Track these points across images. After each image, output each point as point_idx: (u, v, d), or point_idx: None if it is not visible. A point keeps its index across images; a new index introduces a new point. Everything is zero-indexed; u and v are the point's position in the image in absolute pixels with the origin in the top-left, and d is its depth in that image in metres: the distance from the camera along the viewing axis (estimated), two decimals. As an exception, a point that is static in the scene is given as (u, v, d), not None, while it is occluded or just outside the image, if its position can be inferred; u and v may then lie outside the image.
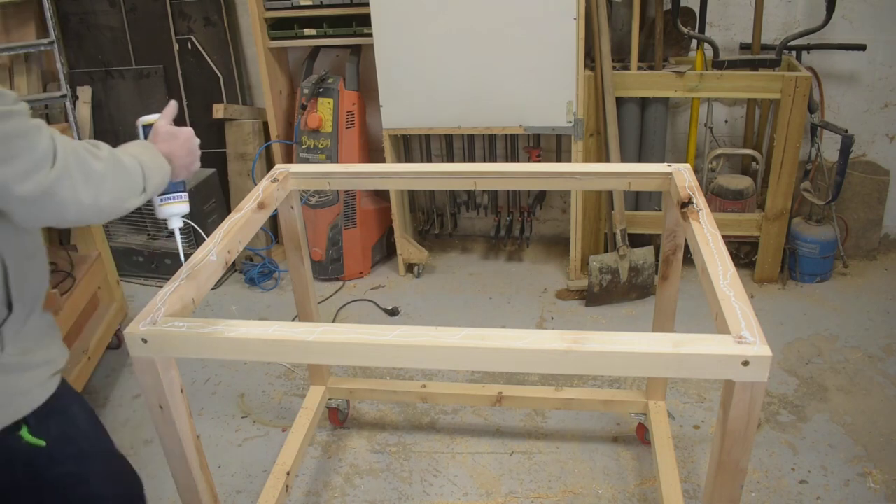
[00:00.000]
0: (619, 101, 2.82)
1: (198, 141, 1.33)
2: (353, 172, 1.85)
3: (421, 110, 2.87)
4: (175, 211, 1.33)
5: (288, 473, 1.86)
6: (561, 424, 2.28)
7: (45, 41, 3.16)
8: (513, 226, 3.24)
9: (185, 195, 1.33)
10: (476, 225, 3.57)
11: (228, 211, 3.18)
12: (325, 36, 3.02)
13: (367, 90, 3.19)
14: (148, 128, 1.29)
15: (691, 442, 2.17)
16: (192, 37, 3.33)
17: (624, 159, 2.85)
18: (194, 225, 1.46)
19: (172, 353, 1.22)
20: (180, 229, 1.35)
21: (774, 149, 2.76)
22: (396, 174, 1.88)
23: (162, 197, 1.30)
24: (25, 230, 1.12)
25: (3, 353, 1.10)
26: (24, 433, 1.14)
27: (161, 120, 1.28)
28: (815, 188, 2.98)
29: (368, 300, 3.07)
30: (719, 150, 2.96)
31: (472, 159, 3.17)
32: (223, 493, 2.07)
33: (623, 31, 2.84)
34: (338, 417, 2.30)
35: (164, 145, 1.25)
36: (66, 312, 2.30)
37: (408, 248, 3.20)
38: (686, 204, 1.52)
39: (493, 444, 2.21)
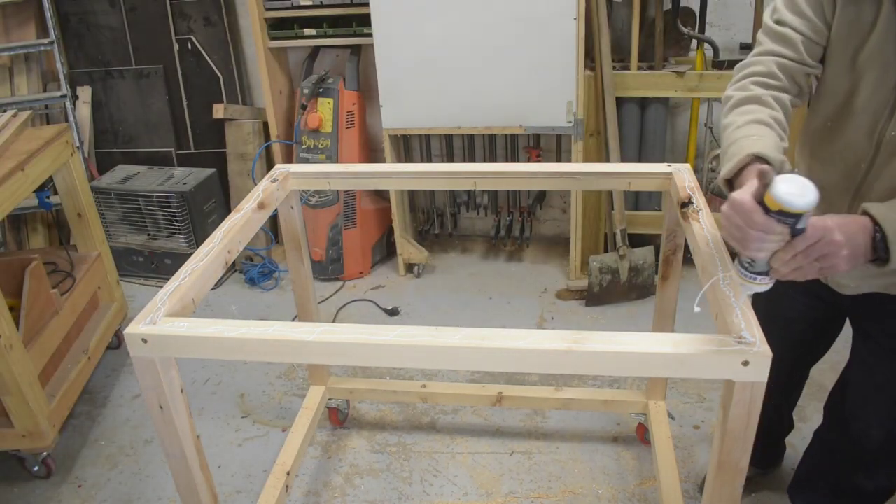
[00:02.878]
0: (619, 102, 2.82)
1: (762, 240, 1.02)
2: (353, 172, 1.85)
3: (421, 110, 2.87)
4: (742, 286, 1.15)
5: (288, 473, 1.86)
6: (561, 424, 2.28)
7: (45, 41, 3.16)
8: (513, 226, 3.24)
9: (755, 276, 1.10)
10: (476, 225, 3.57)
11: (228, 211, 3.18)
12: (325, 36, 3.01)
13: (367, 90, 3.19)
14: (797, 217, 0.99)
15: (691, 442, 2.17)
16: (192, 37, 3.33)
17: (624, 159, 2.85)
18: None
19: (172, 353, 1.21)
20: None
21: (774, 149, 2.75)
22: (396, 174, 1.88)
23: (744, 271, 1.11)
24: None
25: None
26: None
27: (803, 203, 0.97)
28: (815, 188, 2.97)
29: (368, 300, 3.07)
30: (719, 150, 2.95)
31: (472, 159, 3.17)
32: (223, 493, 2.07)
33: (623, 31, 2.84)
34: (338, 417, 2.30)
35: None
36: (66, 312, 2.31)
37: (408, 248, 3.20)
38: (686, 204, 1.52)
39: (492, 444, 2.21)
